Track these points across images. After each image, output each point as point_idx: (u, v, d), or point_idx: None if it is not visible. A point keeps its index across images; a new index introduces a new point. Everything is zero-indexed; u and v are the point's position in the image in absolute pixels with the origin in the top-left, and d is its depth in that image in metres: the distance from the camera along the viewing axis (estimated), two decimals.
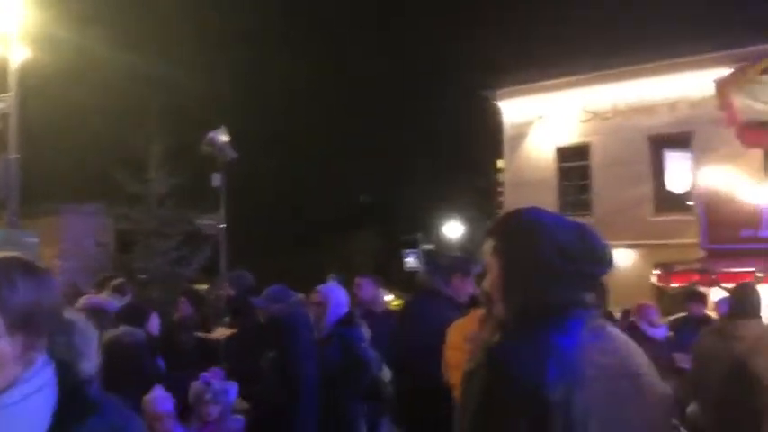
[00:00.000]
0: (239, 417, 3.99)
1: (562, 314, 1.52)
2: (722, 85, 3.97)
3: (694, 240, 18.02)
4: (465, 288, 3.77)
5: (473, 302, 3.63)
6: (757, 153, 17.56)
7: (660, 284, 10.91)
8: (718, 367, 4.07)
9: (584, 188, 21.06)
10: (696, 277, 9.50)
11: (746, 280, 8.62)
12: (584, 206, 20.98)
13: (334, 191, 38.90)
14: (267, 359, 3.97)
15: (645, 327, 5.88)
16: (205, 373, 4.07)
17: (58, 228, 24.75)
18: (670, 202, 19.31)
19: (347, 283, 5.21)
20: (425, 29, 55.34)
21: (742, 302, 4.28)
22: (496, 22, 51.15)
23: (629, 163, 19.76)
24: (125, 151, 18.94)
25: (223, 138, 11.59)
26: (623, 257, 19.69)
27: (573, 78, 20.49)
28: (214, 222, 11.67)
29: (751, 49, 16.88)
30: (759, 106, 3.88)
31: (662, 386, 1.57)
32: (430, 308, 3.64)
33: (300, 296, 4.23)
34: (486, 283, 1.63)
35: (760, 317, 4.24)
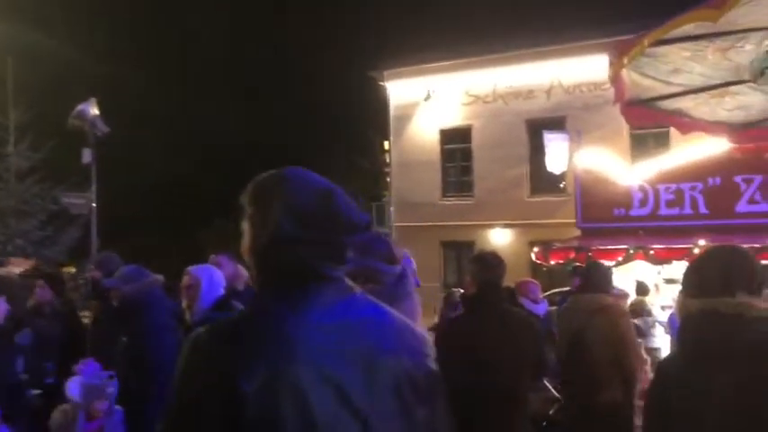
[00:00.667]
0: (119, 408, 3.75)
1: (294, 287, 1.40)
2: (614, 58, 3.97)
3: (568, 220, 18.98)
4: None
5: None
6: (626, 137, 18.62)
7: (538, 262, 11.16)
8: (566, 337, 4.53)
9: (466, 170, 21.44)
10: (572, 254, 9.77)
11: (596, 260, 8.99)
12: (466, 187, 21.43)
13: (220, 170, 37.37)
14: (121, 344, 3.72)
15: (527, 303, 5.92)
16: (80, 365, 3.78)
17: None
18: (545, 184, 20.03)
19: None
20: (314, 7, 54.33)
21: (587, 279, 4.75)
22: (385, 3, 51.15)
23: (507, 145, 20.31)
24: None
25: (93, 111, 10.65)
26: (502, 236, 20.42)
27: (457, 62, 20.71)
28: (84, 201, 10.76)
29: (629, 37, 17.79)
30: (647, 82, 3.92)
31: (414, 367, 1.41)
32: None
33: (158, 277, 3.90)
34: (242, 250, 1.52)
35: (606, 291, 4.60)
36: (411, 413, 1.39)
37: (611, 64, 3.57)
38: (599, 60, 18.21)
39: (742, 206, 9.65)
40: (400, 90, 21.94)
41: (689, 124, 5.26)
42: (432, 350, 1.50)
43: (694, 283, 1.99)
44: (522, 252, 18.13)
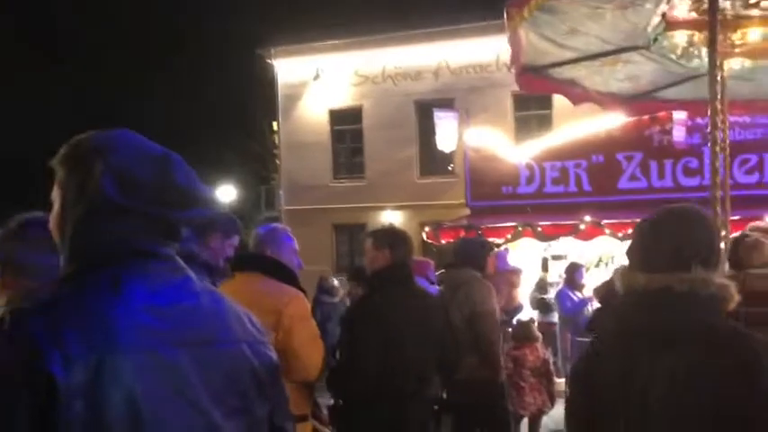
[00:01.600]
0: None
1: (116, 264, 1.21)
2: (512, 9, 3.67)
3: (458, 201, 19.16)
4: (224, 251, 3.20)
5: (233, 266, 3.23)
6: (511, 120, 18.91)
7: (429, 241, 10.98)
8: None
9: (357, 151, 21.08)
10: (462, 232, 9.60)
11: (468, 235, 8.95)
12: (358, 169, 21.08)
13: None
14: None
15: (424, 283, 5.62)
16: None
17: None
18: (435, 165, 20.14)
19: None
20: None
21: (456, 254, 4.96)
22: None
23: (397, 127, 20.12)
24: None
25: None
26: (393, 218, 20.26)
27: (346, 41, 20.21)
28: None
29: None
30: (543, 45, 3.65)
31: (255, 356, 1.30)
32: None
33: None
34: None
35: (476, 266, 4.73)
36: (253, 406, 1.30)
37: (510, 18, 3.22)
38: (486, 42, 19.07)
39: (623, 183, 9.82)
40: (289, 69, 21.16)
41: (581, 95, 5.07)
42: (269, 337, 1.39)
43: (640, 255, 1.63)
44: (412, 233, 17.54)
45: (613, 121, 9.81)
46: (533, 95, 18.64)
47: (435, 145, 15.62)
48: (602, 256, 9.43)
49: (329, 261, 19.82)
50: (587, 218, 8.82)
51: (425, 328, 3.52)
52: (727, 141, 4.25)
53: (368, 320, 3.48)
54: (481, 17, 18.45)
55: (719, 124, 3.62)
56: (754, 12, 3.82)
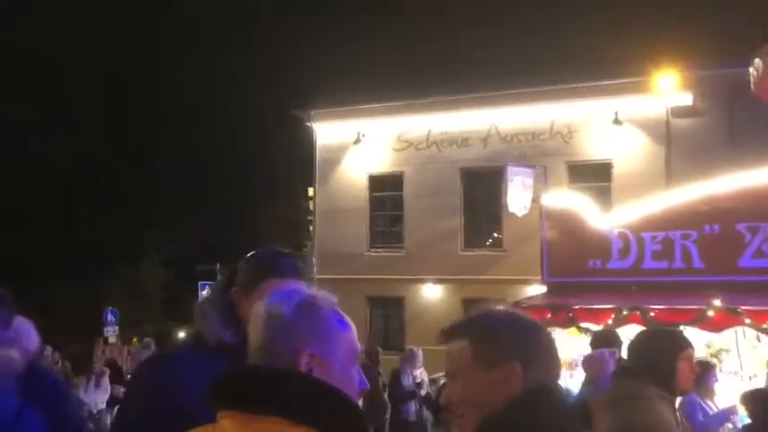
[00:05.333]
0: None
1: None
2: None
3: (505, 276, 17.19)
4: None
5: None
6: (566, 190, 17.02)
7: None
8: None
9: (397, 219, 19.28)
10: (548, 314, 7.56)
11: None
12: (396, 238, 19.24)
13: (116, 215, 33.02)
14: None
15: None
16: None
17: None
18: (479, 237, 18.34)
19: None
20: (238, 43, 51.32)
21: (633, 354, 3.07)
22: (315, 39, 48.97)
23: (440, 195, 18.38)
24: None
25: None
26: (433, 292, 18.29)
27: (390, 104, 18.75)
28: None
29: (573, 86, 16.47)
30: None
31: None
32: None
33: None
34: None
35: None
36: None
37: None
38: (539, 109, 17.49)
39: (746, 260, 7.77)
40: (328, 132, 19.67)
41: None
42: None
43: None
44: (454, 309, 16.07)
45: (729, 184, 7.89)
46: (588, 164, 16.91)
47: (502, 207, 13.76)
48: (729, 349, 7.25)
49: (362, 336, 17.69)
50: (717, 302, 6.76)
51: None
52: None
53: None
54: (534, 82, 17.02)
55: None
56: None
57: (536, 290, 10.58)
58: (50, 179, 32.43)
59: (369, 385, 1.51)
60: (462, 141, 18.48)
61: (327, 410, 1.24)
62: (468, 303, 15.55)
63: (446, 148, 18.66)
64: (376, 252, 19.17)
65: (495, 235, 18.27)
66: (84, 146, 35.05)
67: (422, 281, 18.36)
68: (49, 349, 9.79)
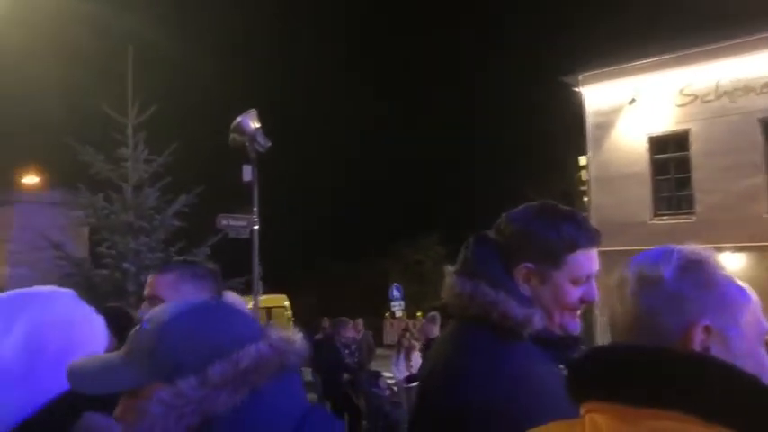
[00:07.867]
0: None
1: None
2: None
3: None
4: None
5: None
6: None
7: None
8: None
9: (684, 183, 17.34)
10: None
11: None
12: (684, 204, 17.33)
13: (404, 188, 34.86)
14: None
15: None
16: None
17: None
18: None
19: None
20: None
21: None
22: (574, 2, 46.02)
23: (736, 152, 16.06)
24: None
25: (254, 124, 8.65)
26: (734, 261, 16.10)
27: (668, 57, 16.84)
28: (245, 222, 8.89)
29: None
30: None
31: None
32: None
33: None
34: None
35: None
36: None
37: None
38: None
39: None
40: (599, 95, 18.36)
41: None
42: None
43: None
44: (762, 280, 13.91)
45: None
46: None
47: None
48: None
49: None
50: None
51: None
52: None
53: None
54: None
55: None
56: None
57: None
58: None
59: None
60: (761, 88, 15.88)
61: (747, 405, 0.91)
62: None
63: (740, 98, 16.21)
64: (661, 220, 17.50)
65: None
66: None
67: (719, 249, 15.58)
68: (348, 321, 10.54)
